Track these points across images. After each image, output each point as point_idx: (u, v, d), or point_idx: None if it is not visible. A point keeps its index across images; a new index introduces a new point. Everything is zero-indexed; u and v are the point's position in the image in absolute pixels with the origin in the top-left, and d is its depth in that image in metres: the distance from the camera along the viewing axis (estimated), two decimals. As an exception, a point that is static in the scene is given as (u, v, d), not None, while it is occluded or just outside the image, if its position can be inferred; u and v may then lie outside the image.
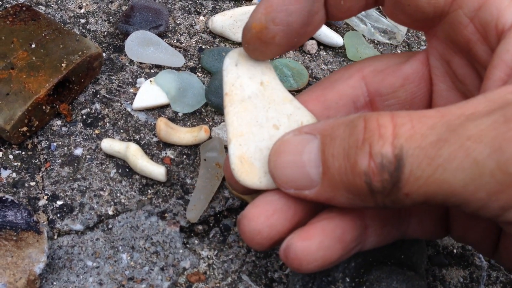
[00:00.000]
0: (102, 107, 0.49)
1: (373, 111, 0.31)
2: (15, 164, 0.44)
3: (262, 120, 0.34)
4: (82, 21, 0.55)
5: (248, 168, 0.33)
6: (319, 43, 0.58)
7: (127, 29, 0.53)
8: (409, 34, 0.63)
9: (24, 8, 0.49)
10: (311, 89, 0.38)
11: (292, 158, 0.31)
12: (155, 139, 0.47)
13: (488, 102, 0.26)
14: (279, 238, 0.32)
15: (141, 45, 0.52)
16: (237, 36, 0.55)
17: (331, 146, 0.29)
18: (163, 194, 0.44)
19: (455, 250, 0.45)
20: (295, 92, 0.53)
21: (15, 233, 0.38)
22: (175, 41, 0.55)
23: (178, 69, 0.52)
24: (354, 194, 0.28)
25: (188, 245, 0.42)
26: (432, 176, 0.25)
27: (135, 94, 0.50)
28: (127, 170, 0.45)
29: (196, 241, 0.42)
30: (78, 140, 0.46)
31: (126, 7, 0.56)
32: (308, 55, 0.57)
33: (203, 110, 0.50)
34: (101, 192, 0.44)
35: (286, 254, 0.31)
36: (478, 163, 0.24)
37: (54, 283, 0.39)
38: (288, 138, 0.32)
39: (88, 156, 0.46)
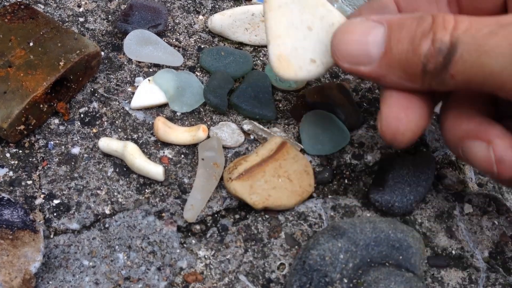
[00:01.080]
0: (100, 106, 0.48)
1: None
2: (12, 162, 0.44)
3: (297, 23, 0.39)
4: (81, 19, 0.54)
5: (286, 64, 0.39)
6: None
7: (125, 28, 0.53)
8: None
9: (22, 6, 0.49)
10: None
11: (357, 37, 0.35)
12: (153, 138, 0.47)
13: None
14: (418, 133, 0.37)
15: (140, 44, 0.52)
16: (236, 35, 0.55)
17: (398, 32, 0.34)
18: (161, 194, 0.44)
19: (453, 252, 0.45)
20: (294, 92, 0.53)
21: (11, 232, 0.38)
22: (174, 40, 0.54)
23: (176, 68, 0.52)
24: (406, 74, 0.34)
25: (185, 245, 0.42)
26: (477, 60, 0.31)
27: (133, 93, 0.50)
28: (125, 169, 0.45)
29: (193, 241, 0.42)
30: (76, 139, 0.46)
31: (125, 6, 0.56)
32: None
33: (202, 109, 0.50)
34: (98, 191, 0.43)
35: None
36: None
37: (50, 282, 0.39)
38: (357, 21, 0.36)
39: (85, 155, 0.45)
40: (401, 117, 0.36)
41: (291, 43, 0.39)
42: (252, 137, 0.49)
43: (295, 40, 0.39)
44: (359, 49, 0.35)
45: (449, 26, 0.32)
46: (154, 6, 0.54)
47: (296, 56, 0.39)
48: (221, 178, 0.45)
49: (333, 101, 0.50)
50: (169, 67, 0.52)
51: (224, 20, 0.54)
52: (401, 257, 0.40)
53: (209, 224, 0.43)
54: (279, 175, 0.45)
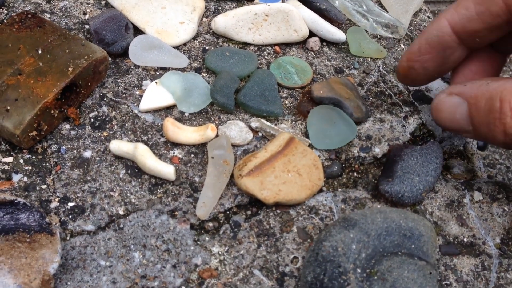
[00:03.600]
0: (110, 109, 0.49)
1: None
2: (26, 168, 0.45)
3: None
4: (87, 27, 0.55)
5: None
6: (322, 40, 0.58)
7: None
8: (412, 28, 0.63)
9: (29, 16, 0.50)
10: None
11: (447, 115, 0.44)
12: (162, 139, 0.48)
13: None
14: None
15: (145, 49, 0.53)
16: (240, 35, 0.56)
17: (477, 115, 0.41)
18: (173, 193, 0.45)
19: (465, 239, 0.45)
20: (299, 89, 0.53)
21: (28, 235, 0.39)
22: (179, 43, 0.55)
23: (182, 70, 0.53)
24: (496, 142, 0.40)
25: (199, 242, 0.42)
26: None
27: (141, 96, 0.50)
28: (136, 170, 0.46)
29: (206, 238, 0.43)
30: (87, 142, 0.47)
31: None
32: (312, 52, 0.57)
33: (209, 109, 0.50)
34: (111, 193, 0.44)
35: None
36: None
37: (68, 283, 0.39)
38: (443, 99, 0.44)
39: (97, 158, 0.46)
40: None
41: None
42: (260, 134, 0.49)
43: None
44: (454, 125, 0.43)
45: None
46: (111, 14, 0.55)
47: None
48: (231, 176, 0.46)
49: (339, 95, 0.50)
50: (175, 69, 0.53)
51: (227, 21, 0.55)
52: (413, 246, 0.41)
53: (221, 221, 0.44)
54: (289, 170, 0.45)
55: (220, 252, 0.42)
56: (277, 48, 0.56)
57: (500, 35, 0.43)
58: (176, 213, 0.44)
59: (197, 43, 0.56)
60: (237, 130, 0.48)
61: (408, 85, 0.51)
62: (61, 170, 0.45)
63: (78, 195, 0.44)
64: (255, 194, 0.44)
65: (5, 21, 0.54)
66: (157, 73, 0.53)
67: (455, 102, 0.43)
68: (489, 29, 0.42)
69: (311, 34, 0.58)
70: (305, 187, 0.45)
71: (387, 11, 0.63)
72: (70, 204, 0.43)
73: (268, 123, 0.49)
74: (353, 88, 0.52)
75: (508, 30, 0.43)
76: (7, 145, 0.46)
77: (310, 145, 0.49)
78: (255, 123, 0.49)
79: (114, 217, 0.43)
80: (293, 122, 0.50)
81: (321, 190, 0.47)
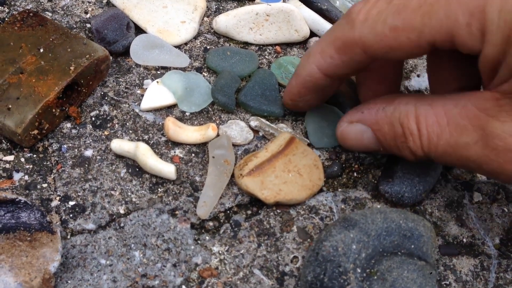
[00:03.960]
0: (111, 108, 0.49)
1: None
2: (27, 166, 0.45)
3: None
4: (88, 25, 0.55)
5: None
6: (323, 40, 0.58)
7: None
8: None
9: (31, 14, 0.50)
10: None
11: (355, 142, 0.44)
12: (163, 139, 0.48)
13: None
14: None
15: (146, 48, 0.53)
16: (241, 35, 0.56)
17: (384, 140, 0.42)
18: (173, 192, 0.45)
19: (464, 240, 0.45)
20: (300, 89, 0.54)
21: (29, 234, 0.39)
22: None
23: (184, 69, 0.53)
24: (411, 160, 0.42)
25: (199, 241, 0.43)
26: (450, 159, 0.40)
27: (142, 95, 0.50)
28: (137, 169, 0.46)
29: (207, 237, 0.43)
30: (88, 141, 0.47)
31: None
32: (312, 52, 0.57)
33: (210, 109, 0.51)
34: (112, 192, 0.44)
35: None
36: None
37: (69, 281, 0.39)
38: (346, 128, 0.45)
39: (98, 157, 0.46)
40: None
41: None
42: (261, 134, 0.49)
43: None
44: (364, 149, 0.45)
45: (416, 141, 0.40)
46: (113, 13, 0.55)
47: None
48: (232, 175, 0.46)
49: (339, 93, 0.50)
50: (176, 68, 0.53)
51: (228, 21, 0.55)
52: (413, 246, 0.41)
53: (222, 221, 0.44)
54: (289, 170, 0.45)
55: (220, 252, 0.42)
56: (278, 48, 0.57)
57: (365, 68, 0.44)
58: (177, 212, 0.44)
59: (198, 43, 0.56)
60: (238, 129, 0.48)
61: (296, 110, 0.51)
62: (62, 168, 0.45)
63: (79, 194, 0.44)
64: (255, 194, 0.44)
65: (6, 19, 0.54)
66: (158, 72, 0.53)
67: (359, 129, 0.44)
68: (357, 70, 0.44)
69: (312, 34, 0.58)
70: (306, 187, 0.45)
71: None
72: (71, 203, 0.43)
73: (268, 122, 0.49)
74: (353, 86, 0.52)
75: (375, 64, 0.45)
76: (8, 144, 0.46)
77: (309, 145, 0.49)
78: (254, 122, 0.49)
79: (114, 216, 0.43)
80: (294, 122, 0.51)
81: (321, 190, 0.47)
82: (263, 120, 0.49)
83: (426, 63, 0.51)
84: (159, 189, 0.45)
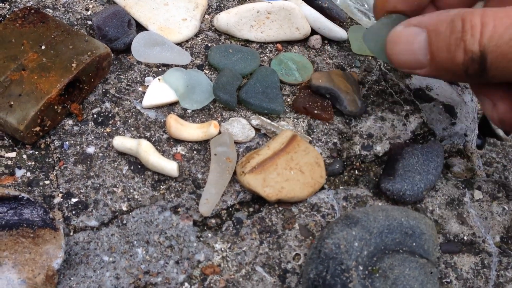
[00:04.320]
0: (112, 106, 0.49)
1: None
2: (29, 163, 0.45)
3: None
4: (90, 22, 0.55)
5: None
6: (324, 38, 0.58)
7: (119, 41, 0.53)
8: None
9: (32, 11, 0.50)
10: None
11: (404, 47, 0.41)
12: (165, 136, 0.48)
13: None
14: None
15: (147, 46, 0.53)
16: (242, 33, 0.56)
17: (436, 40, 0.38)
18: (175, 189, 0.45)
19: (465, 237, 0.46)
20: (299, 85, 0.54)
21: (32, 231, 0.39)
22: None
23: (185, 66, 0.53)
24: (454, 75, 0.38)
25: (201, 239, 0.43)
26: (507, 65, 0.35)
27: (144, 93, 0.50)
28: (139, 166, 0.46)
29: (209, 235, 0.43)
30: (90, 138, 0.47)
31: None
32: (313, 50, 0.57)
33: (212, 106, 0.51)
34: (115, 189, 0.44)
35: None
36: None
37: (72, 278, 0.39)
38: (400, 30, 0.41)
39: (100, 154, 0.46)
40: None
41: None
42: (262, 131, 0.49)
43: None
44: (410, 58, 0.41)
45: (476, 33, 0.36)
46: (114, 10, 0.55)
47: None
48: (234, 173, 0.46)
49: (337, 87, 0.50)
50: (177, 66, 0.53)
51: (229, 18, 0.55)
52: (414, 244, 0.41)
53: (224, 218, 0.44)
54: (291, 168, 0.45)
55: (222, 249, 0.42)
56: (279, 45, 0.57)
57: None
58: (179, 209, 0.44)
59: (199, 40, 0.56)
60: (239, 127, 0.48)
61: (387, 11, 0.46)
62: (64, 165, 0.45)
63: (81, 190, 0.44)
64: (257, 191, 0.44)
65: (7, 16, 0.54)
66: (160, 69, 0.53)
67: (413, 31, 0.40)
68: None
69: (313, 32, 0.58)
70: (307, 185, 0.45)
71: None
72: (74, 200, 0.43)
73: (268, 121, 0.49)
74: (354, 83, 0.52)
75: None
76: (10, 140, 0.46)
77: (310, 142, 0.49)
78: (255, 120, 0.49)
79: (117, 213, 0.43)
80: (295, 120, 0.51)
81: (322, 188, 0.47)
82: (264, 118, 0.49)
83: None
84: (161, 186, 0.45)
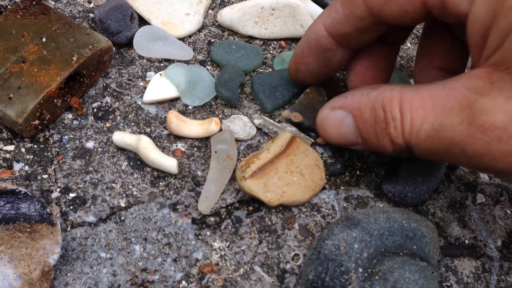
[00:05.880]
0: (113, 100, 0.49)
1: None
2: (28, 157, 0.45)
3: None
4: (92, 15, 0.55)
5: None
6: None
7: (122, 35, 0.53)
8: (418, 26, 0.63)
9: (34, 2, 0.49)
10: None
11: (334, 131, 0.43)
12: (165, 132, 0.47)
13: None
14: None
15: (149, 40, 0.52)
16: (246, 29, 0.55)
17: (363, 127, 0.40)
18: (175, 186, 0.44)
19: (466, 241, 0.45)
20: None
21: (29, 225, 0.38)
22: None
23: (187, 62, 0.52)
24: (387, 152, 0.40)
25: (200, 237, 0.42)
26: (434, 155, 0.37)
27: (145, 88, 0.50)
28: (139, 162, 0.45)
29: (208, 233, 0.42)
30: (90, 133, 0.47)
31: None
32: (317, 48, 0.57)
33: (213, 103, 0.50)
34: (113, 185, 0.44)
35: None
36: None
37: (68, 274, 0.39)
38: (327, 114, 0.43)
39: (99, 149, 0.46)
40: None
41: None
42: (264, 131, 0.49)
43: None
44: (341, 139, 0.43)
45: (398, 126, 0.37)
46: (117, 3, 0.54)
47: None
48: (234, 170, 0.45)
49: (322, 83, 0.50)
50: (179, 61, 0.52)
51: (233, 14, 0.55)
52: (415, 247, 0.41)
53: (223, 216, 0.44)
54: (292, 171, 0.45)
55: (221, 247, 0.42)
56: (282, 43, 0.56)
57: (371, 38, 0.43)
58: (178, 206, 0.43)
59: (202, 36, 0.55)
60: (241, 124, 0.48)
61: (300, 83, 0.49)
62: (63, 160, 0.45)
63: (79, 185, 0.43)
64: (259, 197, 0.43)
65: (9, 7, 0.53)
66: (162, 64, 0.52)
67: (340, 116, 0.42)
68: (358, 32, 0.41)
69: (317, 29, 0.57)
70: (308, 188, 0.44)
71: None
72: (72, 195, 0.43)
73: (271, 121, 0.49)
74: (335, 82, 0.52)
75: (378, 34, 0.42)
76: (8, 133, 0.46)
77: (312, 144, 0.48)
78: (258, 120, 0.49)
79: (115, 209, 0.43)
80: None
81: (323, 188, 0.46)
82: (267, 118, 0.49)
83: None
84: (160, 183, 0.44)
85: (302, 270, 0.41)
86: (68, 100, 0.47)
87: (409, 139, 0.37)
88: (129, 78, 0.51)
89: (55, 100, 0.45)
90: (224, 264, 0.41)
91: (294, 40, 0.57)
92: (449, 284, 0.43)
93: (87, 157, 0.45)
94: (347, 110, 0.41)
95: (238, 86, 0.50)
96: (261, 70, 0.53)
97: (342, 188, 0.47)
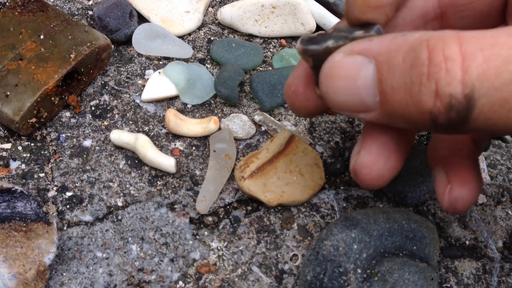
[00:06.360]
0: (111, 98, 0.48)
1: (442, 28, 0.32)
2: (24, 155, 0.44)
3: None
4: (90, 12, 0.54)
5: None
6: (329, 34, 0.57)
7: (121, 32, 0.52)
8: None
9: None
10: None
11: (345, 84, 0.29)
12: (164, 131, 0.47)
13: None
14: (392, 177, 0.33)
15: (149, 38, 0.52)
16: (246, 27, 0.55)
17: (390, 76, 0.27)
18: (173, 186, 0.44)
19: (467, 242, 0.45)
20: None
21: (24, 224, 0.38)
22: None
23: (186, 60, 0.52)
24: (415, 124, 0.27)
25: (197, 237, 0.42)
26: (504, 116, 0.24)
27: (143, 86, 0.49)
28: (136, 161, 0.45)
29: (205, 233, 0.42)
30: (87, 131, 0.46)
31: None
32: (318, 46, 0.56)
33: (212, 101, 0.50)
34: (111, 184, 0.43)
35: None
36: None
37: (64, 274, 0.39)
38: (340, 60, 0.29)
39: (97, 148, 0.45)
40: (380, 166, 0.32)
41: None
42: (263, 128, 0.48)
43: None
44: (352, 99, 0.29)
45: (454, 68, 0.24)
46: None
47: None
48: (233, 170, 0.45)
49: None
50: (179, 59, 0.52)
51: (233, 12, 0.54)
52: (415, 248, 0.40)
53: (221, 216, 0.43)
54: (291, 171, 0.44)
55: (219, 247, 0.42)
56: (283, 41, 0.56)
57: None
58: (176, 206, 0.43)
59: (202, 34, 0.55)
60: (240, 123, 0.48)
61: (371, 20, 0.31)
62: (60, 158, 0.44)
63: (76, 184, 0.43)
64: (258, 197, 0.43)
65: (7, 4, 0.53)
66: (161, 62, 0.52)
67: (357, 62, 0.29)
68: None
69: (318, 28, 0.57)
70: (308, 188, 0.44)
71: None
72: (68, 194, 0.43)
73: (271, 118, 0.48)
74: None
75: None
76: (5, 131, 0.45)
77: (311, 144, 0.48)
78: (258, 116, 0.48)
79: (112, 208, 0.42)
80: (297, 118, 0.50)
81: (323, 188, 0.46)
82: (267, 115, 0.48)
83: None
84: (158, 182, 0.44)
85: (301, 271, 0.40)
86: (66, 98, 0.46)
87: (480, 85, 0.24)
88: (128, 76, 0.50)
89: (53, 98, 0.45)
90: (222, 264, 0.41)
91: (295, 38, 0.56)
92: (449, 285, 0.42)
93: (85, 156, 0.45)
94: (369, 55, 0.28)
95: (238, 85, 0.50)
96: (261, 69, 0.53)
97: (341, 188, 0.46)
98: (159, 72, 0.50)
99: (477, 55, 0.24)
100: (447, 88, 0.24)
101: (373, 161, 0.32)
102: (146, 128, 0.47)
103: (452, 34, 0.25)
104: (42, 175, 0.43)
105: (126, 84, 0.50)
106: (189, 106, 0.49)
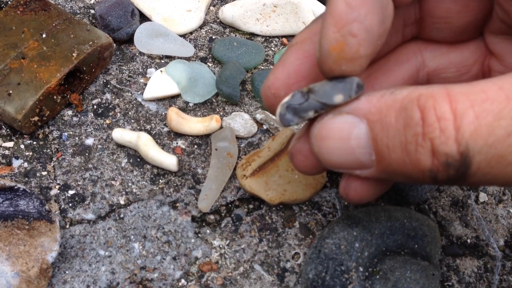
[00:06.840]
0: (113, 97, 0.49)
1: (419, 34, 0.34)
2: (27, 153, 0.44)
3: None
4: (92, 11, 0.54)
5: None
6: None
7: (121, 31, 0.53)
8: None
9: (34, -2, 0.49)
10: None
11: (338, 144, 0.29)
12: (166, 129, 0.47)
13: None
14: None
15: (150, 37, 0.52)
16: (248, 26, 0.55)
17: (384, 136, 0.27)
18: (175, 184, 0.44)
19: (469, 240, 0.45)
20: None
21: (27, 222, 0.38)
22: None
23: (188, 59, 0.52)
24: (414, 179, 0.28)
25: (200, 235, 0.42)
26: (503, 172, 0.25)
27: (145, 84, 0.50)
28: (138, 159, 0.45)
29: (208, 231, 0.42)
30: (89, 130, 0.46)
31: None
32: (319, 45, 0.56)
33: (214, 100, 0.50)
34: (113, 182, 0.44)
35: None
36: None
37: (67, 272, 0.39)
38: (330, 122, 0.30)
39: (99, 146, 0.45)
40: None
41: None
42: (265, 127, 0.49)
43: None
44: (346, 158, 0.30)
45: (448, 127, 0.25)
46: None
47: None
48: (235, 168, 0.45)
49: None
50: (180, 58, 0.52)
51: (235, 11, 0.54)
52: (416, 246, 0.40)
53: (223, 214, 0.43)
54: (293, 169, 0.44)
55: (221, 246, 0.42)
56: (284, 40, 0.56)
57: None
58: (178, 204, 0.43)
59: (204, 32, 0.55)
60: (241, 122, 0.48)
61: (345, 74, 0.29)
62: (62, 157, 0.45)
63: (78, 183, 0.43)
64: (260, 195, 0.43)
65: (9, 3, 0.53)
66: (162, 61, 0.52)
67: (348, 122, 0.29)
68: None
69: (320, 26, 0.57)
70: (310, 186, 0.44)
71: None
72: (71, 192, 0.43)
73: (273, 116, 0.48)
74: None
75: None
76: (8, 130, 0.46)
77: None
78: (260, 115, 0.48)
79: (114, 207, 0.42)
80: (299, 116, 0.50)
81: (325, 186, 0.46)
82: (269, 113, 0.48)
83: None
84: (160, 180, 0.44)
85: (302, 269, 0.40)
86: (68, 96, 0.47)
87: (473, 143, 0.24)
88: (130, 74, 0.50)
89: (55, 97, 0.45)
90: (224, 263, 0.41)
91: (296, 37, 0.56)
92: (450, 283, 0.42)
93: (87, 154, 0.45)
94: (360, 115, 0.29)
95: (239, 83, 0.50)
96: (262, 67, 0.53)
97: (343, 186, 0.46)
98: (161, 71, 0.50)
99: (468, 112, 0.24)
100: (443, 147, 0.25)
101: (309, 149, 0.32)
102: (148, 127, 0.47)
103: (441, 91, 0.25)
104: (44, 173, 0.43)
105: (128, 83, 0.50)
106: (190, 104, 0.49)
